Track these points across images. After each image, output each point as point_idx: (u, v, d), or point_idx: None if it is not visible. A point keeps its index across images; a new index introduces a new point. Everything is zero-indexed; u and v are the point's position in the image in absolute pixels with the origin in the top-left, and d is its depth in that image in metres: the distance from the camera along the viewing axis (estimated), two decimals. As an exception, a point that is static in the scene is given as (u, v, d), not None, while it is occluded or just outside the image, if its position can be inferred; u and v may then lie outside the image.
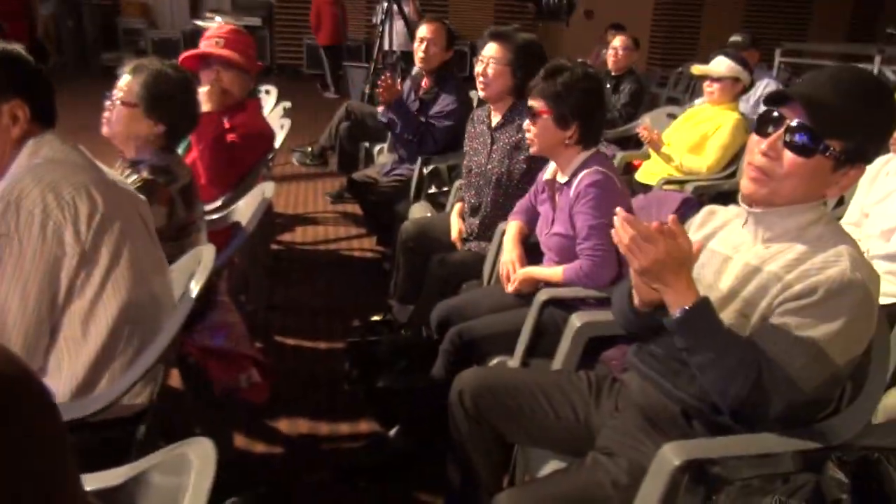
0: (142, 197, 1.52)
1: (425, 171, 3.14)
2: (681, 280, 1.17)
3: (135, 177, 1.82)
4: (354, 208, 4.25)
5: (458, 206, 2.63)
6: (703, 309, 1.17)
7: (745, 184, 1.23)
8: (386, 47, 5.66)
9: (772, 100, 1.21)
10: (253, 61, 2.65)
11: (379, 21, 5.73)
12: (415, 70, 3.53)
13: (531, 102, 1.96)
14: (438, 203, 3.09)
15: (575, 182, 1.90)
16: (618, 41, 4.49)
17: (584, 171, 1.90)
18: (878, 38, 8.47)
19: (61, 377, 1.31)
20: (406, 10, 6.03)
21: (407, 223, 2.75)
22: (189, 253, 1.70)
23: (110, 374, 1.34)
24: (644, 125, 3.42)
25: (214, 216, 2.30)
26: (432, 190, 3.21)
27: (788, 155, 1.16)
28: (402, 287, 2.69)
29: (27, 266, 1.21)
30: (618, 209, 1.20)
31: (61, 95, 1.38)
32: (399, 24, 5.88)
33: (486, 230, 2.43)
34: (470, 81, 2.90)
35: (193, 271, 1.60)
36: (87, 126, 2.27)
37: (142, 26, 10.96)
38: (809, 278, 1.14)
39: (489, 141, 2.49)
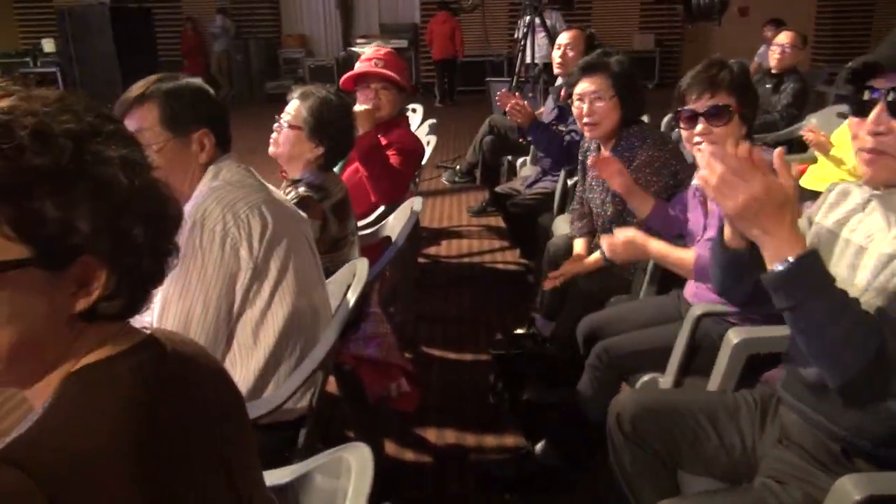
0: (303, 214, 1.64)
1: (569, 183, 3.10)
2: (783, 226, 1.00)
3: (293, 193, 1.97)
4: (498, 221, 4.30)
5: (581, 242, 2.50)
6: (812, 260, 1.00)
7: (864, 171, 1.08)
8: (528, 60, 5.68)
9: (858, 76, 1.07)
10: (408, 81, 2.78)
11: (521, 35, 5.76)
12: (557, 81, 3.53)
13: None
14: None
15: None
16: (783, 37, 4.19)
17: None
18: None
19: (235, 381, 1.43)
20: (549, 21, 6.03)
21: (556, 238, 2.73)
22: (345, 266, 1.80)
23: (276, 379, 1.44)
24: (810, 126, 3.16)
25: (367, 231, 2.42)
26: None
27: None
28: (548, 302, 2.67)
29: (209, 278, 1.34)
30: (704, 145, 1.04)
31: (233, 122, 1.53)
32: (540, 36, 5.88)
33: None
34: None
35: (349, 283, 1.69)
36: (255, 149, 2.49)
37: (300, 55, 11.82)
38: None
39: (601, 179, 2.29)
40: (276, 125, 2.06)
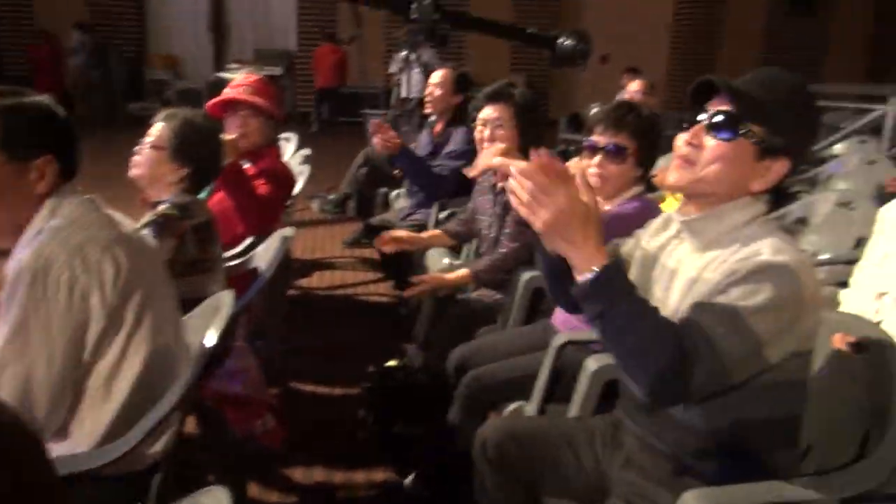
0: (154, 242, 1.55)
1: (441, 215, 3.16)
2: (588, 239, 1.06)
3: (150, 214, 1.87)
4: (371, 253, 4.28)
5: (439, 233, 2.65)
6: (615, 270, 1.08)
7: (671, 174, 1.20)
8: (403, 94, 5.78)
9: (697, 94, 1.19)
10: (278, 109, 2.73)
11: (397, 69, 5.87)
12: (431, 117, 3.63)
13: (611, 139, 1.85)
14: (455, 247, 3.10)
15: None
16: (635, 84, 4.55)
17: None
18: (893, 80, 8.48)
19: (83, 432, 1.31)
20: (423, 57, 6.17)
21: (437, 272, 2.75)
22: (209, 298, 1.72)
23: (132, 428, 1.34)
24: (659, 168, 3.42)
25: (234, 262, 2.34)
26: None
27: (711, 140, 1.15)
28: (424, 333, 2.68)
29: (54, 333, 1.21)
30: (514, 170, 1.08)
31: (86, 145, 1.39)
32: (416, 72, 6.01)
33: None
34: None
35: (212, 317, 1.62)
36: (110, 175, 2.34)
37: (167, 77, 11.29)
38: (730, 269, 1.11)
39: (494, 204, 2.45)
40: (137, 147, 1.97)
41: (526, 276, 2.21)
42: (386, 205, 4.32)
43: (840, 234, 2.93)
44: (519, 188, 1.06)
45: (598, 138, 1.84)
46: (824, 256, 2.84)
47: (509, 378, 1.92)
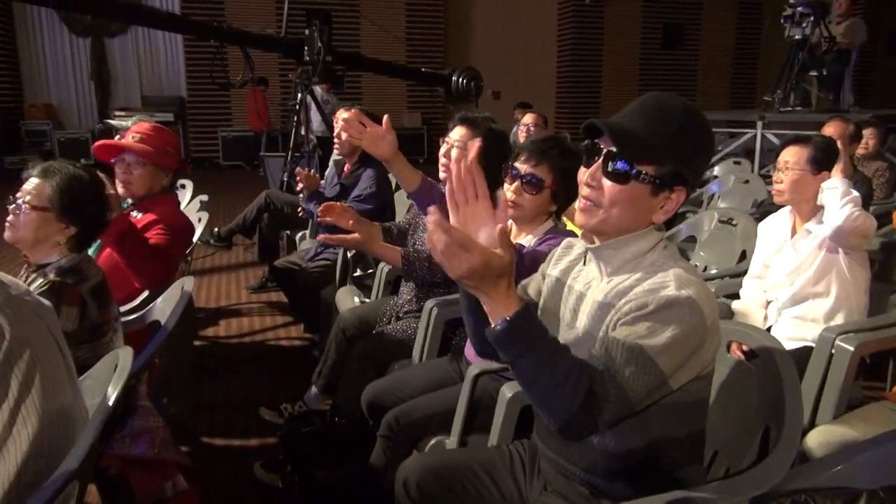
0: (47, 303, 1.45)
1: (349, 254, 3.14)
2: (499, 290, 1.08)
3: (41, 280, 1.75)
4: (279, 297, 4.18)
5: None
6: (527, 317, 1.09)
7: (578, 216, 1.24)
8: (302, 133, 5.74)
9: (588, 132, 1.22)
10: (169, 157, 2.63)
11: (294, 111, 5.83)
12: (336, 156, 3.60)
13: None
14: (365, 286, 3.08)
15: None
16: (528, 118, 4.75)
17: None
18: (756, 105, 9.27)
19: None
20: (318, 90, 6.18)
21: (345, 312, 2.72)
22: (105, 357, 1.62)
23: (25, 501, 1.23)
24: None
25: (132, 316, 2.22)
26: (358, 273, 3.22)
27: (608, 183, 1.18)
28: (330, 375, 2.63)
29: None
30: (431, 208, 1.07)
31: None
32: (313, 112, 6.00)
33: (419, 306, 2.43)
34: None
35: (109, 377, 1.52)
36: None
37: (46, 127, 10.70)
38: (639, 300, 1.14)
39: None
40: (11, 206, 1.83)
41: (437, 308, 2.22)
42: (290, 246, 4.25)
43: (725, 249, 3.14)
44: (432, 238, 1.05)
45: (520, 166, 1.89)
46: (713, 271, 3.03)
47: (430, 414, 1.91)
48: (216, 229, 4.95)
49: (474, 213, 1.10)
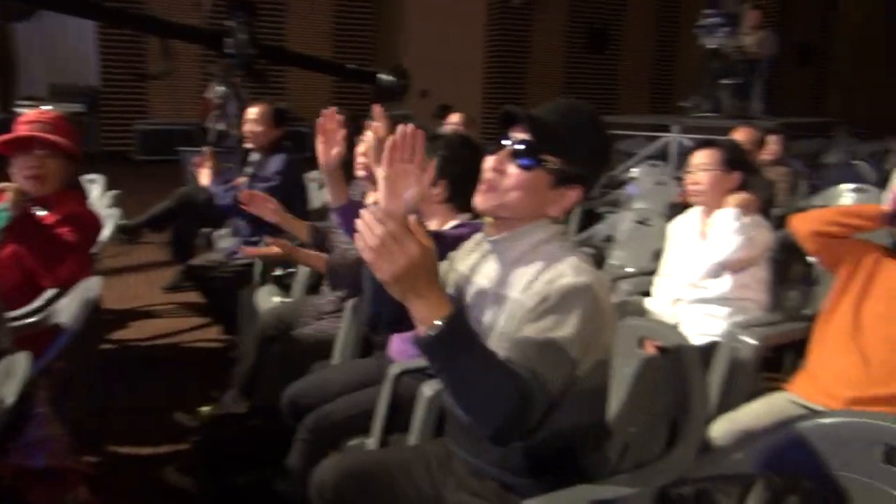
0: None
1: (270, 253, 3.06)
2: (433, 289, 1.05)
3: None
4: (195, 297, 4.04)
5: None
6: (461, 320, 1.09)
7: (478, 198, 1.27)
8: (223, 129, 5.59)
9: (503, 122, 1.28)
10: (78, 148, 2.49)
11: (214, 105, 5.66)
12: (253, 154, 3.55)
13: None
14: (285, 285, 3.02)
15: None
16: (455, 118, 4.76)
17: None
18: (673, 111, 9.66)
19: None
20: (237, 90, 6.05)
21: (265, 313, 2.65)
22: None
23: None
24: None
25: (30, 319, 2.09)
26: (278, 272, 3.14)
27: (513, 169, 1.24)
28: (248, 377, 2.56)
29: None
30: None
31: None
32: (234, 106, 5.84)
33: (341, 306, 2.40)
34: (310, 162, 2.91)
35: (4, 383, 1.43)
36: None
37: (-59, 118, 9.97)
38: (540, 293, 1.18)
39: None
40: None
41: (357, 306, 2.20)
42: (208, 245, 4.11)
43: (640, 249, 3.25)
44: (367, 232, 1.01)
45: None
46: (630, 269, 3.13)
47: (350, 415, 1.89)
48: (120, 222, 4.68)
49: (406, 171, 1.15)
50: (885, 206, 1.91)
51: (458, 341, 1.07)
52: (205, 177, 3.50)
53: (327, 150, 2.04)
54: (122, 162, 9.90)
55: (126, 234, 4.51)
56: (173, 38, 5.59)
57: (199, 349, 3.57)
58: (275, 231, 3.09)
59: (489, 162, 1.27)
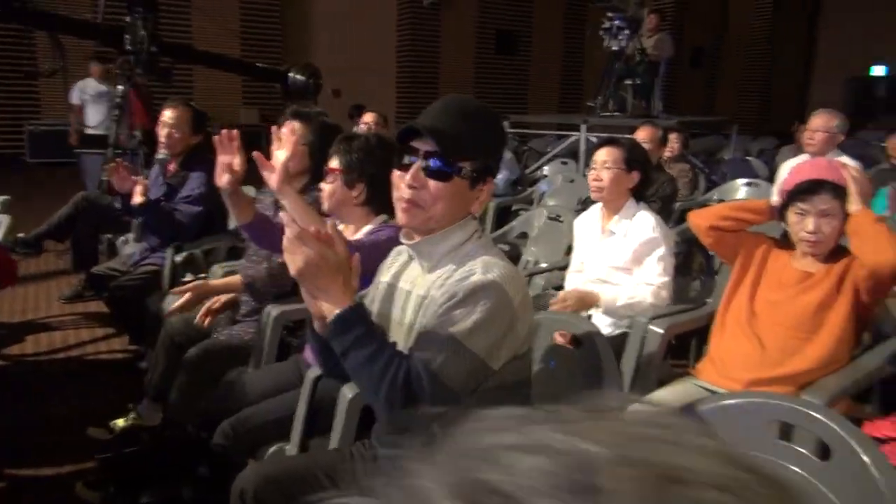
0: None
1: (178, 258, 2.95)
2: (336, 285, 1.19)
3: None
4: (98, 307, 3.83)
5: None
6: (357, 310, 1.20)
7: (401, 217, 1.30)
8: (125, 128, 5.30)
9: (404, 135, 1.28)
10: None
11: (117, 104, 5.36)
12: (161, 154, 3.35)
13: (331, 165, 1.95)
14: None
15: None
16: (368, 117, 4.73)
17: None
18: (581, 110, 9.97)
19: None
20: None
21: (174, 320, 2.54)
22: None
23: None
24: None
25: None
26: (188, 278, 3.03)
27: (431, 182, 1.25)
28: (160, 384, 2.46)
29: None
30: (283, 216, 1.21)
31: None
32: (139, 106, 5.56)
33: (257, 309, 2.34)
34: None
35: None
36: None
37: None
38: (449, 291, 1.23)
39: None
40: None
41: (275, 312, 2.15)
42: (111, 252, 3.90)
43: (553, 244, 3.34)
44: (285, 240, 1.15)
45: (332, 162, 1.94)
46: (544, 264, 3.21)
47: (268, 420, 1.85)
48: (20, 235, 4.40)
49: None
50: (773, 199, 2.05)
51: (353, 330, 1.19)
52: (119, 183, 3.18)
53: (225, 172, 1.96)
54: (14, 165, 9.27)
55: (28, 247, 4.20)
56: (65, 33, 5.24)
57: (106, 361, 3.39)
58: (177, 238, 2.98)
59: (405, 178, 1.26)
